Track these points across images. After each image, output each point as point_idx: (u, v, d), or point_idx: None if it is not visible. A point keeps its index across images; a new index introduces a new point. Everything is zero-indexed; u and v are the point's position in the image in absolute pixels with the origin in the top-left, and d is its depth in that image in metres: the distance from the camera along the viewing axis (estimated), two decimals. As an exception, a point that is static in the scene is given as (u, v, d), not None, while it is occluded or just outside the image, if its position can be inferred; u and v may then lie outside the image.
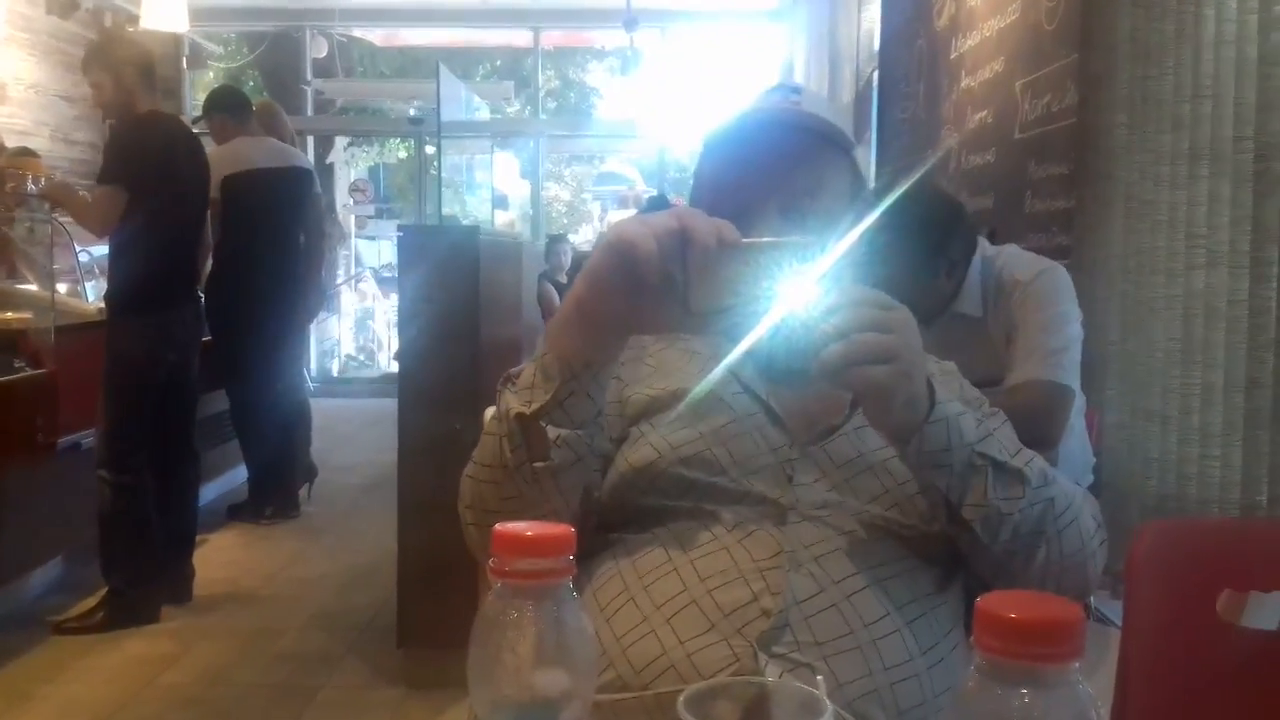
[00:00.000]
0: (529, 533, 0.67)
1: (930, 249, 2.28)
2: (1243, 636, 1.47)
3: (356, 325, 11.37)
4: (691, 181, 1.37)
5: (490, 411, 1.68)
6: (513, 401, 1.12)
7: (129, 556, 3.57)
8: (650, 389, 1.26)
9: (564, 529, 0.68)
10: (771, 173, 1.23)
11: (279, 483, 4.96)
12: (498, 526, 0.68)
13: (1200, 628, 1.45)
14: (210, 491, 4.88)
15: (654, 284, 1.01)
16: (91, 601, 3.59)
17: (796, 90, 1.31)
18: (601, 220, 14.86)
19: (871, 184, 5.57)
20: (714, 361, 1.26)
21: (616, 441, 1.23)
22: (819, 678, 0.72)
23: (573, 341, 1.10)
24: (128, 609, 3.54)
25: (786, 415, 1.23)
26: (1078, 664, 0.54)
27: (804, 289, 1.00)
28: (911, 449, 1.07)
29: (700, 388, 1.23)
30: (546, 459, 1.10)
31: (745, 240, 1.02)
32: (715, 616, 1.06)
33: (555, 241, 8.40)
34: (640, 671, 1.05)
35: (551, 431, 1.09)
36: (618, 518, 1.20)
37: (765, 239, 1.04)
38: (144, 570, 3.60)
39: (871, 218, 1.25)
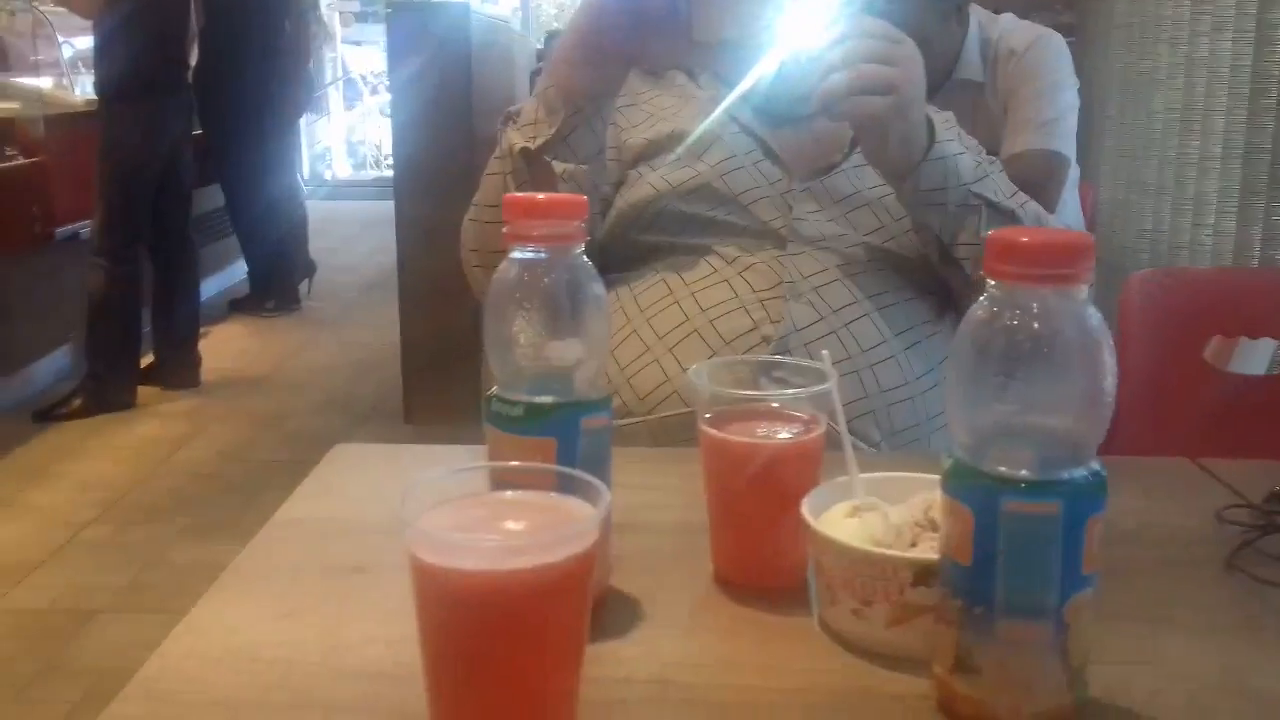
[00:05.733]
0: (541, 197, 0.69)
1: None
2: (1230, 380, 1.52)
3: (347, 130, 11.17)
4: None
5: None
6: (516, 138, 1.13)
7: (113, 343, 3.61)
8: (647, 133, 1.27)
9: (576, 196, 0.70)
10: None
11: (279, 276, 5.00)
12: (508, 194, 0.70)
13: (1189, 372, 1.50)
14: (210, 287, 4.92)
15: (656, 13, 1.01)
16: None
17: None
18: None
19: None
20: (710, 104, 1.27)
21: (614, 185, 1.24)
22: (825, 352, 0.76)
23: (575, 73, 1.10)
24: (104, 395, 3.59)
25: (784, 153, 1.24)
26: (1087, 287, 0.55)
27: (810, 18, 0.99)
28: (908, 186, 1.09)
29: (702, 126, 1.23)
30: (552, 192, 1.12)
31: None
32: (716, 344, 1.10)
33: (555, 38, 8.17)
34: (644, 398, 1.10)
35: (557, 166, 1.11)
36: (618, 257, 1.23)
37: None
38: (125, 359, 3.66)
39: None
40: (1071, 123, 2.33)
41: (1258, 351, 1.58)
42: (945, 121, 1.36)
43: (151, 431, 3.48)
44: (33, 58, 4.56)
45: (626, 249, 1.22)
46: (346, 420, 3.59)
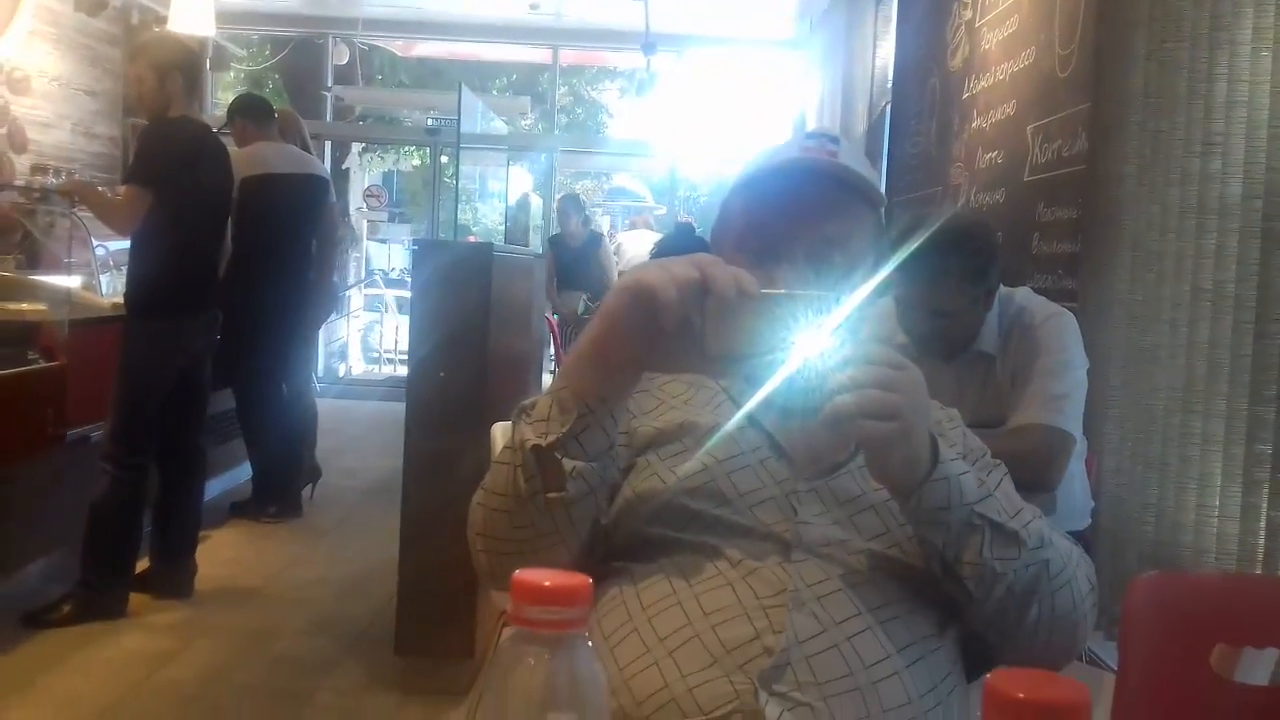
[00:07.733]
0: (547, 582, 0.69)
1: (975, 274, 2.30)
2: (1236, 689, 1.50)
3: (365, 329, 11.41)
4: (719, 212, 1.38)
5: (498, 427, 1.71)
6: (528, 433, 1.15)
7: (109, 552, 3.58)
8: (657, 421, 1.29)
9: (581, 579, 0.71)
10: (803, 220, 1.25)
11: (283, 483, 4.99)
12: (517, 574, 0.71)
13: (1194, 680, 1.48)
14: (214, 488, 4.90)
15: (670, 327, 1.04)
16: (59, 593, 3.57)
17: (835, 140, 1.31)
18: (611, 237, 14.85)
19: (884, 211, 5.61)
20: (721, 394, 1.30)
21: (623, 471, 1.26)
22: (817, 721, 0.75)
23: (589, 377, 1.13)
24: (95, 604, 3.53)
25: (791, 450, 1.25)
26: None
27: (818, 341, 1.03)
28: (911, 504, 1.11)
29: (716, 433, 1.24)
30: (561, 490, 1.13)
31: (763, 291, 1.05)
32: (718, 652, 1.09)
33: (567, 201, 8.21)
34: (641, 703, 1.08)
35: (566, 463, 1.12)
36: (623, 546, 1.23)
37: (782, 291, 1.07)
38: (120, 568, 3.62)
39: (887, 272, 1.29)
40: (1079, 401, 2.37)
41: (1262, 662, 1.56)
42: (951, 420, 1.38)
43: (137, 645, 3.41)
44: (66, 259, 4.70)
45: (632, 538, 1.23)
46: (334, 645, 3.52)
